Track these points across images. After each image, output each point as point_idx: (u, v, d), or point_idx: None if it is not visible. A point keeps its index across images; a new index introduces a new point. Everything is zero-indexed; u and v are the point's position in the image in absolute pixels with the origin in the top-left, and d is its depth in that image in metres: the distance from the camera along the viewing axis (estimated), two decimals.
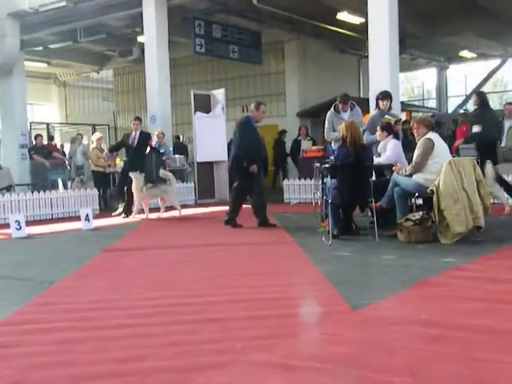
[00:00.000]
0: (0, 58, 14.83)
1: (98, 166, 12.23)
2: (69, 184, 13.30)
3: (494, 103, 21.03)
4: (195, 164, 12.99)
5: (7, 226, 8.34)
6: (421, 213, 6.26)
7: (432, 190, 6.14)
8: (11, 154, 15.13)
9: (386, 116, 7.92)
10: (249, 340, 3.15)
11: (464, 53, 20.14)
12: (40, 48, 16.50)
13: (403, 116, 8.25)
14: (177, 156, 13.17)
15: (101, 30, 15.66)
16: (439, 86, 23.30)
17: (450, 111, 21.68)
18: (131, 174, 9.60)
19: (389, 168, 7.08)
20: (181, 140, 16.56)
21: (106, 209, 11.52)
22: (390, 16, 10.41)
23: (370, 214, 7.10)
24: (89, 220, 8.67)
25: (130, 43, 16.64)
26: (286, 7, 14.34)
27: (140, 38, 15.27)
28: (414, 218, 6.20)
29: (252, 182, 7.87)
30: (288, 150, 15.58)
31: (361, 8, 12.15)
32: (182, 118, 18.14)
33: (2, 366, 2.87)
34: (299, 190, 11.87)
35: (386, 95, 7.97)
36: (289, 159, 15.67)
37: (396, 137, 7.35)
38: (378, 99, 8.04)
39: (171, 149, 13.14)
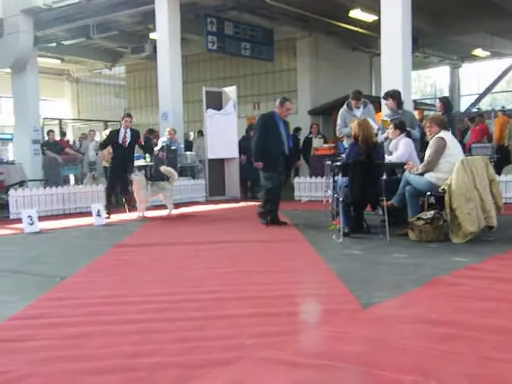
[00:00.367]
0: (14, 54, 14.94)
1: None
2: (84, 180, 13.35)
3: (508, 102, 20.88)
4: (206, 161, 13.01)
5: (20, 220, 8.40)
6: (432, 212, 6.23)
7: (444, 189, 6.11)
8: (24, 150, 15.23)
9: (384, 118, 7.91)
10: (258, 337, 3.16)
11: (477, 51, 19.99)
12: (53, 44, 16.60)
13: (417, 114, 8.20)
14: (188, 153, 13.20)
15: (113, 27, 15.74)
16: (452, 85, 23.15)
17: (462, 110, 21.54)
18: (134, 177, 9.37)
19: (401, 166, 7.05)
20: (191, 138, 16.60)
21: (117, 204, 11.55)
22: (403, 13, 10.36)
23: (381, 212, 7.09)
24: (100, 215, 8.72)
25: (142, 40, 16.70)
26: (298, 4, 14.33)
27: (152, 35, 15.32)
28: (425, 217, 6.17)
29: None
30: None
31: (373, 5, 12.11)
32: (194, 115, 18.17)
33: (13, 360, 2.89)
34: (310, 187, 11.85)
35: (386, 94, 7.94)
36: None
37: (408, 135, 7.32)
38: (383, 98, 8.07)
39: (182, 146, 13.16)
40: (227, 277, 4.81)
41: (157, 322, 3.51)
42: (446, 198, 6.07)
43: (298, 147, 15.60)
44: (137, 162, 13.77)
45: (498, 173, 9.87)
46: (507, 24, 15.48)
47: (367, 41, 17.50)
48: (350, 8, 14.45)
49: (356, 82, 17.53)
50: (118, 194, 11.00)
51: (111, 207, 9.67)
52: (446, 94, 23.76)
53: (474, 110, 19.93)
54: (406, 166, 6.71)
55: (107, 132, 12.81)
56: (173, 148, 12.21)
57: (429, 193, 6.51)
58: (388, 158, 7.07)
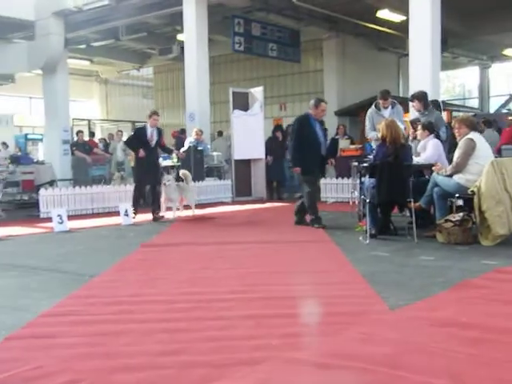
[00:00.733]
0: (45, 56, 15.19)
1: None
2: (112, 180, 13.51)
3: None
4: (232, 162, 13.05)
5: (50, 219, 8.55)
6: (461, 214, 6.15)
7: (473, 191, 6.04)
8: (54, 150, 15.49)
9: (406, 119, 7.84)
10: (285, 337, 3.16)
11: (508, 51, 19.67)
12: (83, 46, 16.85)
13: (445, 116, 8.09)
14: (215, 153, 13.26)
15: (142, 29, 15.92)
16: (481, 85, 22.81)
17: (492, 111, 21.21)
18: (166, 183, 9.17)
19: (429, 168, 6.98)
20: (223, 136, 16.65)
21: (144, 205, 11.67)
22: (432, 13, 10.25)
23: (408, 214, 7.03)
24: (128, 215, 8.81)
25: (170, 41, 16.83)
26: (325, 5, 14.28)
27: (180, 37, 15.43)
28: (454, 219, 6.10)
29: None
30: None
31: (401, 5, 12.00)
32: (221, 116, 18.25)
33: (45, 356, 2.95)
34: (336, 189, 11.81)
35: (412, 97, 7.88)
36: None
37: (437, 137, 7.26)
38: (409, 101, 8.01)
39: (209, 146, 13.23)
40: (253, 277, 4.82)
41: (183, 321, 3.54)
42: (476, 200, 6.00)
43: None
44: (164, 163, 13.92)
45: None
46: None
47: (395, 41, 17.35)
48: (377, 8, 14.35)
49: (383, 82, 17.37)
50: (146, 196, 11.07)
51: (138, 208, 9.53)
52: (476, 94, 23.44)
53: (505, 110, 19.61)
54: (434, 168, 6.64)
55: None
56: (199, 149, 12.29)
57: (457, 195, 6.44)
58: (416, 160, 7.01)
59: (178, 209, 9.57)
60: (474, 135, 6.36)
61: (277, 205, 11.89)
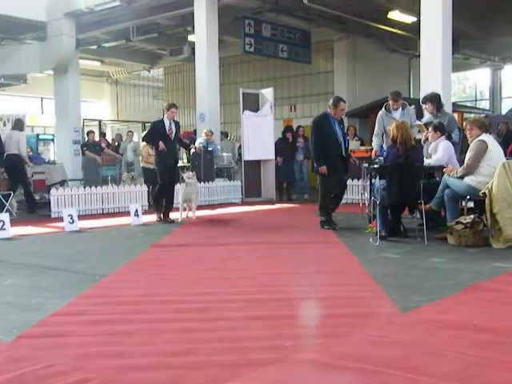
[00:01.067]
0: (57, 57, 15.30)
1: (149, 163, 12.45)
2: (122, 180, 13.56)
3: None
4: (242, 162, 13.06)
5: (61, 219, 8.60)
6: (472, 216, 6.12)
7: (484, 193, 6.01)
8: (65, 150, 15.59)
9: (418, 122, 7.80)
10: (296, 338, 3.16)
11: None
12: (94, 47, 16.94)
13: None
14: (224, 154, 13.28)
15: (153, 29, 15.97)
16: (493, 87, 22.67)
17: (503, 113, 21.07)
18: (187, 180, 8.94)
19: (439, 170, 6.96)
20: (229, 138, 16.70)
21: (154, 205, 11.70)
22: (444, 14, 10.21)
23: (418, 215, 7.01)
24: (138, 215, 8.84)
25: (180, 42, 16.89)
26: (336, 6, 14.27)
27: (191, 37, 15.48)
28: (464, 221, 6.07)
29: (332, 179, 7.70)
30: None
31: (413, 7, 11.98)
32: (231, 117, 18.27)
33: (56, 355, 2.96)
34: (346, 190, 11.76)
35: (424, 99, 7.81)
36: None
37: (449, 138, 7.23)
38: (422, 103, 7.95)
39: (219, 147, 13.25)
40: (263, 278, 4.82)
41: (194, 321, 3.54)
42: (487, 202, 5.96)
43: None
44: None
45: None
46: None
47: (406, 42, 17.30)
48: (388, 9, 14.32)
49: (394, 84, 17.31)
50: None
51: (161, 209, 9.08)
52: (487, 96, 23.30)
53: None
54: (445, 169, 6.61)
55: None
56: (209, 149, 12.30)
57: (468, 196, 6.41)
58: (427, 161, 6.98)
59: (186, 209, 9.39)
60: (485, 137, 6.33)
61: (286, 206, 11.89)
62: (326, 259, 5.74)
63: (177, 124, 9.16)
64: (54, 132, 16.80)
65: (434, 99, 7.69)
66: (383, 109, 8.15)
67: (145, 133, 9.51)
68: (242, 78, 18.98)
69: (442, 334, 3.17)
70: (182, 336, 3.25)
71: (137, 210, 8.87)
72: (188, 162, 11.96)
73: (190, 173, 9.31)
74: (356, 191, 11.15)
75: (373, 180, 7.07)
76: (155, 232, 8.02)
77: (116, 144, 15.91)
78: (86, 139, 14.92)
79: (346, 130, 8.06)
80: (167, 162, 8.88)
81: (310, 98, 18.43)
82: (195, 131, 14.58)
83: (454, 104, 14.19)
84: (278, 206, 11.95)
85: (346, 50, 17.48)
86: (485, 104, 23.34)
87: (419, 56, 11.00)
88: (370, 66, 17.50)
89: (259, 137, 12.88)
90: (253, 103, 13.33)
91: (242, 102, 13.17)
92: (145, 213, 9.61)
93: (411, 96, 17.77)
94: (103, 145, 15.43)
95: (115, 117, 23.56)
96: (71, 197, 10.35)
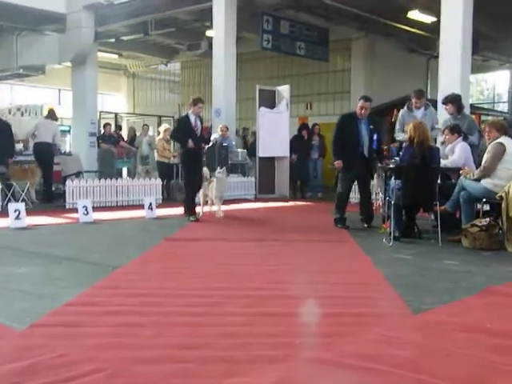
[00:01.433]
0: (75, 49, 15.37)
1: (164, 157, 12.53)
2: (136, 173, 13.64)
3: None
4: (257, 159, 13.06)
5: (75, 210, 8.66)
6: (488, 219, 6.08)
7: (501, 196, 5.95)
8: (81, 142, 15.65)
9: (437, 126, 7.72)
10: (305, 336, 3.16)
11: None
12: (112, 40, 16.98)
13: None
14: (239, 150, 13.28)
15: (171, 24, 15.97)
16: None
17: None
18: (218, 175, 8.66)
19: (456, 171, 6.91)
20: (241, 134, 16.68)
21: (168, 199, 11.77)
22: (464, 15, 10.10)
23: (432, 217, 6.96)
24: (152, 209, 8.89)
25: (198, 37, 16.88)
26: (355, 4, 14.16)
27: (209, 33, 15.46)
28: (480, 224, 6.02)
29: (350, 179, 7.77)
30: None
31: (433, 6, 11.86)
32: (246, 113, 18.26)
33: (69, 344, 2.99)
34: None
35: (445, 99, 7.74)
36: None
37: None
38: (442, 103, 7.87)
39: (234, 143, 13.25)
40: (275, 275, 4.82)
41: (205, 315, 3.56)
42: (503, 205, 5.91)
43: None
44: None
45: None
46: None
47: (425, 43, 17.15)
48: (408, 9, 14.19)
49: (411, 84, 17.08)
50: (172, 188, 11.05)
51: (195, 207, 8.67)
52: (505, 99, 23.07)
53: None
54: (461, 171, 6.56)
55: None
56: (224, 145, 12.31)
57: (484, 199, 6.36)
58: (443, 163, 6.93)
59: (206, 202, 9.01)
60: (504, 139, 6.27)
61: (300, 204, 11.87)
62: (338, 258, 5.72)
63: (201, 120, 8.84)
64: (71, 123, 16.88)
65: (455, 100, 7.62)
66: (405, 107, 8.08)
67: (172, 130, 9.15)
68: (258, 74, 18.92)
69: (454, 337, 3.15)
70: (192, 330, 3.26)
71: (151, 203, 8.91)
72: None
73: (220, 169, 8.98)
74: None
75: (388, 180, 7.04)
76: (169, 225, 8.05)
77: (129, 137, 15.96)
78: (103, 132, 14.99)
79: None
80: (195, 160, 8.58)
81: (326, 96, 18.35)
82: (211, 126, 14.59)
83: (471, 106, 14.06)
84: (291, 203, 11.94)
85: (364, 48, 17.37)
86: (502, 107, 23.12)
87: (438, 56, 10.89)
88: (387, 65, 17.37)
89: (274, 134, 12.87)
90: (269, 100, 13.31)
91: (259, 99, 13.16)
92: (159, 206, 9.64)
93: (429, 97, 17.60)
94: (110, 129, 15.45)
95: (131, 110, 23.62)
96: (86, 188, 10.43)
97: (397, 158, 7.26)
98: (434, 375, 2.57)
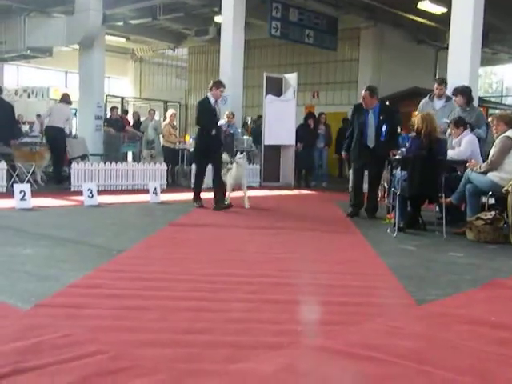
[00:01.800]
0: (83, 31, 15.31)
1: (169, 142, 12.52)
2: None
3: None
4: (262, 147, 13.03)
5: (80, 193, 8.67)
6: (493, 212, 6.06)
7: (507, 190, 5.92)
8: (87, 125, 15.63)
9: (444, 120, 7.69)
10: (309, 324, 3.16)
11: None
12: (121, 23, 16.91)
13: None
14: (245, 137, 13.25)
15: (179, 8, 15.89)
16: None
17: None
18: (238, 160, 8.32)
19: (462, 164, 6.88)
20: (248, 122, 16.64)
21: (173, 184, 11.78)
22: (475, 6, 9.98)
23: (437, 209, 6.95)
24: (156, 194, 8.89)
25: (206, 23, 16.80)
26: None
27: (217, 18, 15.39)
28: (485, 217, 6.00)
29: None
30: None
31: None
32: (253, 100, 18.20)
33: (73, 325, 3.00)
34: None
35: (456, 91, 7.69)
36: None
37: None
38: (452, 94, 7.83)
39: (240, 130, 13.22)
40: (279, 263, 4.82)
41: (209, 301, 3.56)
42: (509, 199, 5.89)
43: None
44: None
45: None
46: None
47: (434, 34, 17.02)
48: None
49: (419, 76, 17.12)
50: (177, 173, 11.00)
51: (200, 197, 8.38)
52: None
53: None
54: (468, 164, 6.54)
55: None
56: (230, 132, 12.28)
57: (490, 193, 6.33)
58: (449, 154, 6.90)
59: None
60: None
61: (304, 193, 11.87)
62: (342, 248, 5.72)
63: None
64: (77, 106, 16.86)
65: (465, 92, 7.58)
66: (427, 97, 8.14)
67: (196, 117, 8.37)
68: (266, 61, 18.84)
69: (458, 329, 3.14)
70: (196, 315, 3.26)
71: (156, 188, 8.91)
72: None
73: (240, 154, 8.68)
74: None
75: (394, 171, 7.02)
76: (173, 211, 8.05)
77: (133, 122, 15.92)
78: (109, 115, 14.97)
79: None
80: (215, 147, 8.17)
81: (334, 85, 18.27)
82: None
83: (479, 99, 13.98)
84: (295, 192, 11.94)
85: (373, 38, 17.26)
86: (511, 100, 22.99)
87: (447, 48, 10.80)
88: (396, 56, 17.26)
89: (281, 122, 12.82)
90: (276, 88, 13.26)
91: (266, 86, 13.10)
92: (163, 191, 9.65)
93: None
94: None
95: (137, 94, 23.57)
96: (91, 171, 10.44)
97: (403, 149, 7.24)
98: (437, 366, 2.57)
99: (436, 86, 8.03)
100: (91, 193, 8.26)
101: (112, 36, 18.55)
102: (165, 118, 13.28)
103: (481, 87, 23.50)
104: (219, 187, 8.20)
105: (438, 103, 7.91)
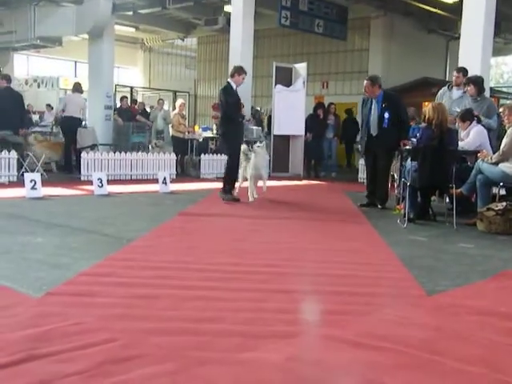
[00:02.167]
0: (92, 21, 15.28)
1: (179, 132, 12.52)
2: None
3: None
4: (272, 137, 13.00)
5: (90, 182, 8.70)
6: (504, 203, 6.02)
7: None
8: (96, 114, 15.64)
9: (457, 109, 7.63)
10: (318, 314, 3.16)
11: None
12: (130, 12, 16.86)
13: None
14: (254, 127, 13.22)
15: None
16: None
17: None
18: (257, 149, 8.01)
19: (472, 154, 6.84)
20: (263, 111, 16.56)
21: (182, 174, 11.80)
22: None
23: (447, 200, 6.92)
24: (166, 183, 8.91)
25: (216, 12, 16.72)
26: None
27: (227, 8, 15.31)
28: (496, 208, 5.97)
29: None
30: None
31: None
32: (262, 90, 18.14)
33: (84, 313, 3.02)
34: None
35: (468, 80, 7.64)
36: None
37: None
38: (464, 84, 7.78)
39: (249, 119, 13.18)
40: (289, 252, 4.82)
41: (219, 290, 3.57)
42: None
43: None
44: (204, 134, 13.97)
45: None
46: None
47: (445, 23, 16.86)
48: None
49: (430, 66, 16.99)
50: (186, 163, 11.00)
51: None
52: None
53: None
54: (479, 155, 6.49)
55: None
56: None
57: (501, 183, 6.30)
58: (459, 146, 6.86)
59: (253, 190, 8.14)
60: None
61: (314, 183, 11.85)
62: (352, 237, 5.71)
63: None
64: (87, 96, 16.88)
65: (477, 82, 7.52)
66: (446, 86, 8.17)
67: (222, 105, 8.00)
68: (275, 51, 18.75)
69: (467, 319, 3.14)
70: (206, 304, 3.28)
71: (165, 178, 8.93)
72: (217, 133, 11.93)
73: (259, 143, 8.35)
74: None
75: (404, 161, 6.98)
76: (182, 200, 8.07)
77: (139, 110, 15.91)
78: (119, 105, 14.98)
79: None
80: (240, 134, 8.00)
81: (344, 75, 18.17)
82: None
83: (491, 89, 13.85)
84: (305, 182, 11.92)
85: (383, 28, 17.11)
86: None
87: (458, 38, 10.69)
88: (406, 46, 17.12)
89: (290, 112, 12.78)
90: (285, 77, 13.21)
91: (275, 76, 13.05)
92: (173, 181, 9.66)
93: (447, 79, 17.39)
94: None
95: (147, 84, 23.57)
96: (101, 161, 10.48)
97: (413, 140, 7.20)
98: (446, 356, 2.57)
99: (454, 74, 8.05)
100: (101, 182, 8.29)
101: (121, 26, 18.53)
102: (174, 108, 13.26)
103: (492, 77, 23.29)
104: (233, 176, 8.02)
105: (456, 93, 7.86)
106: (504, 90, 22.20)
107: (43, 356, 2.42)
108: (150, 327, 2.86)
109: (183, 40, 21.66)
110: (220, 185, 8.33)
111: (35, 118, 15.95)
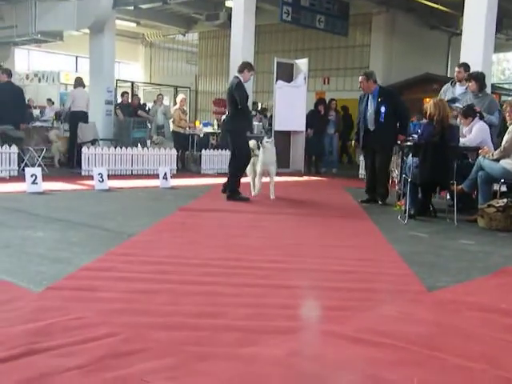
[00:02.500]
0: (93, 15, 15.23)
1: (179, 127, 12.50)
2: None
3: None
4: (273, 133, 12.98)
5: (91, 177, 8.70)
6: (505, 200, 6.01)
7: None
8: (97, 109, 15.61)
9: (458, 104, 7.61)
10: (319, 310, 3.16)
11: None
12: (131, 7, 16.81)
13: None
14: (255, 123, 13.20)
15: None
16: None
17: None
18: (266, 144, 7.80)
19: (473, 151, 6.83)
20: (259, 108, 16.58)
21: (183, 169, 11.79)
22: None
23: (448, 196, 6.91)
24: (167, 179, 8.91)
25: (217, 7, 16.69)
26: None
27: (228, 3, 15.29)
28: (497, 205, 5.96)
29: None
30: None
31: None
32: (263, 86, 18.12)
33: (84, 308, 3.02)
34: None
35: (469, 76, 7.62)
36: None
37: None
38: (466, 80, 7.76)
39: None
40: (289, 248, 4.82)
41: (219, 285, 3.56)
42: None
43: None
44: (204, 129, 13.95)
45: None
46: None
47: (447, 19, 16.82)
48: None
49: (432, 62, 16.97)
50: (187, 158, 10.98)
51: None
52: None
53: None
54: (481, 151, 6.48)
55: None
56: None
57: (502, 180, 6.29)
58: (460, 142, 6.85)
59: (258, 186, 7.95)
60: None
61: (314, 179, 11.84)
62: (352, 233, 5.71)
63: None
64: (88, 91, 16.86)
65: (479, 78, 7.50)
66: (449, 83, 8.16)
67: (235, 100, 7.66)
68: (276, 47, 18.72)
69: (468, 316, 3.14)
70: (206, 299, 3.27)
71: (166, 173, 8.93)
72: (218, 128, 11.93)
73: (268, 138, 8.18)
74: None
75: (405, 157, 6.98)
76: (183, 196, 8.07)
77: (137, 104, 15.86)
78: (120, 100, 14.96)
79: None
80: (244, 130, 7.93)
81: (345, 71, 18.15)
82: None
83: (492, 85, 13.82)
84: (305, 178, 11.91)
85: (385, 24, 17.09)
86: None
87: (460, 34, 10.67)
88: (408, 42, 17.10)
89: (291, 108, 12.76)
90: (287, 73, 13.18)
91: (276, 72, 13.02)
92: (173, 176, 9.66)
93: (448, 75, 17.36)
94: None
95: (148, 79, 23.54)
96: (102, 156, 10.47)
97: (415, 136, 7.19)
98: (447, 353, 2.57)
99: (457, 69, 8.05)
100: (102, 177, 8.29)
101: (122, 20, 18.48)
102: (175, 104, 13.24)
103: (493, 74, 23.23)
104: (239, 173, 7.80)
105: (459, 89, 7.85)
106: (505, 86, 22.16)
107: (44, 350, 2.42)
108: (151, 322, 2.86)
109: (184, 35, 21.63)
110: (220, 180, 8.30)
111: (36, 112, 15.92)
